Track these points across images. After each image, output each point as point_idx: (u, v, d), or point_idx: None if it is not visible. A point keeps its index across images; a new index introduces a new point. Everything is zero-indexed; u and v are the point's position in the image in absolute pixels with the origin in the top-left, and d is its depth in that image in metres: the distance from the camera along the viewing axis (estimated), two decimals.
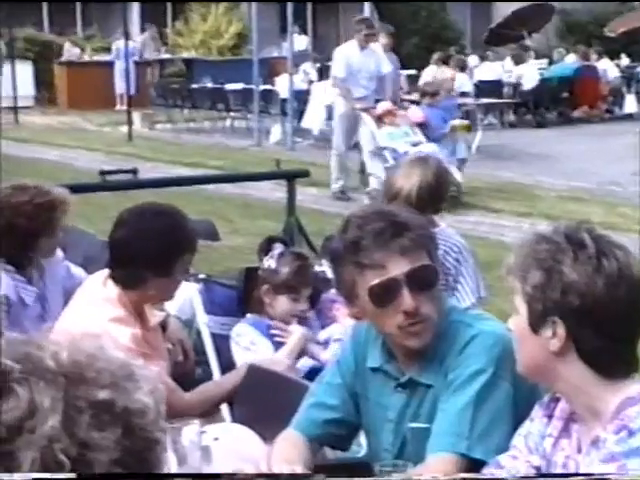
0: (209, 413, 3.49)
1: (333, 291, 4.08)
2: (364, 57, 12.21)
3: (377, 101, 12.36)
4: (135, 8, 28.12)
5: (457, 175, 11.75)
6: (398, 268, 2.67)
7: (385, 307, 2.71)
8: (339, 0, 27.72)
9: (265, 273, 4.31)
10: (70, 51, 25.53)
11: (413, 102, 14.22)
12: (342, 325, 4.21)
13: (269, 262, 4.31)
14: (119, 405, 1.37)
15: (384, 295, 2.69)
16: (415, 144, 11.80)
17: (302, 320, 4.30)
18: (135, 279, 3.51)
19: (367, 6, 15.47)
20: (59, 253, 4.48)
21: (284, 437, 2.98)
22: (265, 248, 4.42)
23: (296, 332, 4.19)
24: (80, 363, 1.39)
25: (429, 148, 11.45)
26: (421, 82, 15.59)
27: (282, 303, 4.25)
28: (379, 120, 12.06)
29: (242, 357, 4.17)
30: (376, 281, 2.68)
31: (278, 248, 4.37)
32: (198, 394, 3.68)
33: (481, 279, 4.72)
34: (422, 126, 12.32)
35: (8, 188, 4.18)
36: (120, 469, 1.35)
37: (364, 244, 2.68)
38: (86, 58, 25.76)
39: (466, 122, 14.20)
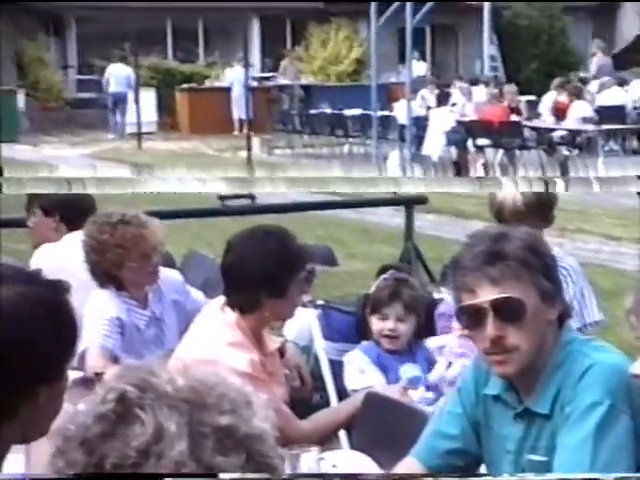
0: (325, 441, 3.46)
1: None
2: None
3: None
4: (255, 35, 28.48)
5: None
6: (486, 295, 2.67)
7: (472, 331, 2.73)
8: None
9: (365, 298, 4.36)
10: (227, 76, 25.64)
11: None
12: (456, 337, 4.09)
13: (373, 288, 4.34)
14: (241, 431, 1.37)
15: (470, 319, 2.71)
16: None
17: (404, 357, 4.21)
18: (250, 302, 3.52)
19: (487, 32, 15.33)
20: (178, 277, 4.50)
21: (402, 465, 2.95)
22: (379, 276, 4.45)
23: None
24: (198, 389, 1.39)
25: None
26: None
27: (373, 324, 4.25)
28: None
29: (352, 384, 4.15)
30: (463, 304, 2.71)
31: (387, 274, 4.40)
32: (314, 422, 3.65)
33: (595, 302, 4.47)
34: None
35: (96, 217, 4.21)
36: None
37: (462, 265, 2.71)
38: (207, 84, 26.11)
39: None
